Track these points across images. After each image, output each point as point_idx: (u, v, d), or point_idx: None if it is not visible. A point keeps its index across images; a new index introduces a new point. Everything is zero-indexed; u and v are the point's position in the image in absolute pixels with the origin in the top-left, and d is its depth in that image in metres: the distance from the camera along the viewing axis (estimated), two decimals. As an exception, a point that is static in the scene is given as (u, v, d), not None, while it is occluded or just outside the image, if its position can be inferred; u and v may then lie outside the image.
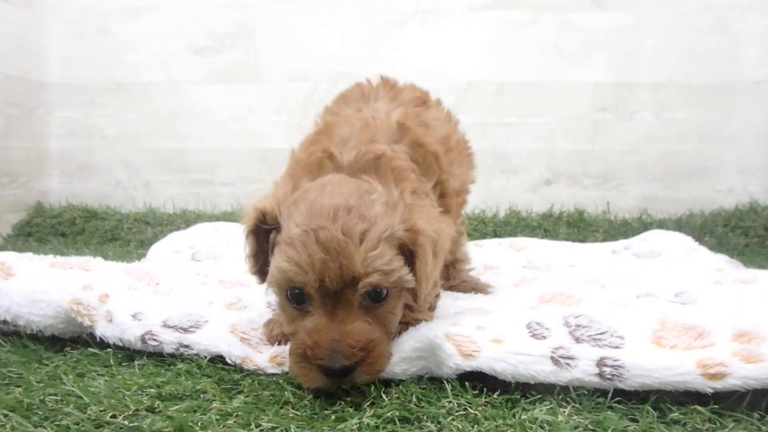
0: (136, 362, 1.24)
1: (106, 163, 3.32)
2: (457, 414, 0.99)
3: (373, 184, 1.18)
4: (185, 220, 2.95)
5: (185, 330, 1.27)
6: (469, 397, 1.04)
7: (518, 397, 1.04)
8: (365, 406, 1.02)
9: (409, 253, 1.12)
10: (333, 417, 0.99)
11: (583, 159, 3.17)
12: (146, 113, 3.28)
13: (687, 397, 1.01)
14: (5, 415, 0.97)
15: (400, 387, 1.08)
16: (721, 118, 3.09)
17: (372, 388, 1.06)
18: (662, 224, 2.82)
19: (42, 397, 1.05)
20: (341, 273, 1.03)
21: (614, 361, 1.03)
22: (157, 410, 1.01)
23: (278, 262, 1.08)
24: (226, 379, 1.16)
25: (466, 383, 1.08)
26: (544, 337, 1.10)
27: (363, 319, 1.07)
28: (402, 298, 1.16)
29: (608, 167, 3.17)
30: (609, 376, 1.02)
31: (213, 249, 2.18)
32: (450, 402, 1.02)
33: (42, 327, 1.36)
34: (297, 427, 0.95)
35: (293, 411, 1.01)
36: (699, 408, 0.98)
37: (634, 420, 0.97)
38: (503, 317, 1.21)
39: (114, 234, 2.90)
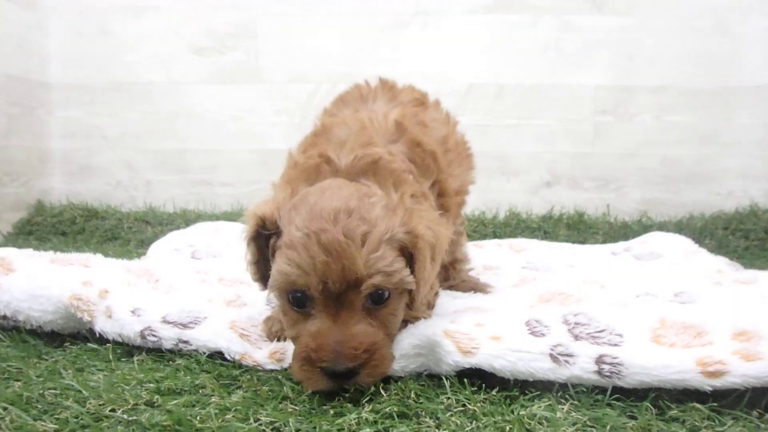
0: (135, 358, 1.24)
1: (106, 162, 3.32)
2: (455, 410, 0.99)
3: (372, 188, 1.18)
4: (185, 219, 2.95)
5: (184, 326, 1.27)
6: (467, 393, 1.04)
7: (517, 394, 1.05)
8: (364, 401, 1.02)
9: (408, 255, 1.13)
10: (332, 412, 0.99)
11: (583, 161, 3.18)
12: (147, 113, 3.28)
13: (686, 395, 1.01)
14: (4, 409, 0.97)
15: (399, 383, 1.08)
16: (722, 121, 3.09)
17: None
18: (662, 227, 2.81)
19: (41, 391, 1.05)
20: (344, 275, 1.03)
21: (613, 358, 1.03)
22: (156, 405, 1.02)
23: (280, 265, 1.07)
24: (224, 374, 1.16)
25: (465, 380, 1.08)
26: (543, 335, 1.10)
27: (365, 322, 1.07)
28: (403, 300, 1.16)
29: (608, 170, 3.18)
30: (608, 374, 1.02)
31: (213, 248, 2.19)
32: (448, 398, 1.02)
33: (42, 322, 1.36)
34: (295, 422, 0.95)
35: (292, 406, 1.02)
36: (698, 406, 0.98)
37: (632, 417, 0.97)
38: (502, 315, 1.21)
39: (114, 233, 2.90)
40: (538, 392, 1.04)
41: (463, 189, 1.64)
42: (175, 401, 1.02)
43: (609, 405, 1.01)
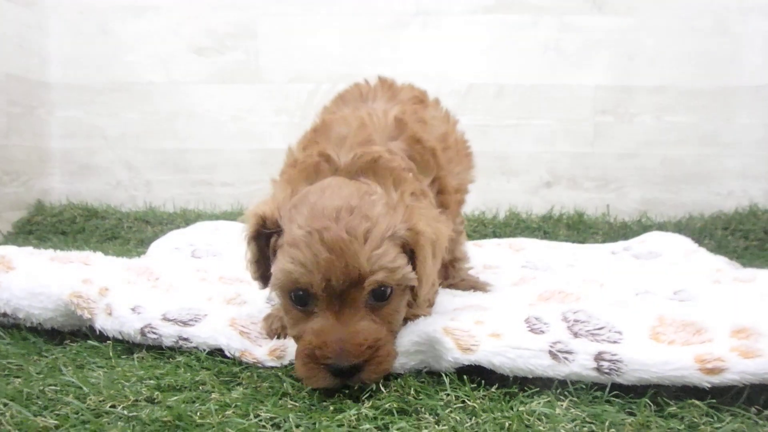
0: (135, 355, 1.24)
1: (106, 162, 3.33)
2: (455, 406, 0.99)
3: (372, 186, 1.18)
4: (185, 219, 2.96)
5: (185, 323, 1.27)
6: (467, 389, 1.04)
7: (516, 390, 1.05)
8: (363, 398, 1.02)
9: (410, 253, 1.13)
10: (331, 408, 0.99)
11: (583, 161, 3.18)
12: (147, 113, 3.29)
13: (684, 392, 1.01)
14: (5, 404, 0.97)
15: (399, 380, 1.08)
16: (722, 122, 3.09)
17: (370, 381, 1.07)
18: (662, 227, 2.82)
19: (41, 388, 1.05)
20: (347, 272, 1.03)
21: (612, 355, 1.04)
22: (156, 401, 1.02)
23: (282, 264, 1.07)
24: (224, 371, 1.16)
25: (464, 377, 1.08)
26: (543, 332, 1.10)
27: (369, 319, 1.07)
28: (405, 297, 1.16)
29: (608, 170, 3.18)
30: (607, 371, 1.03)
31: (213, 247, 2.19)
32: (448, 395, 1.02)
33: (42, 320, 1.36)
34: (295, 418, 0.95)
35: (292, 402, 1.02)
36: (696, 402, 0.98)
37: (631, 413, 0.97)
38: (502, 312, 1.21)
39: (114, 232, 2.91)
40: (538, 389, 1.05)
41: (462, 187, 1.64)
42: (176, 397, 1.02)
43: (608, 402, 1.01)
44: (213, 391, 1.05)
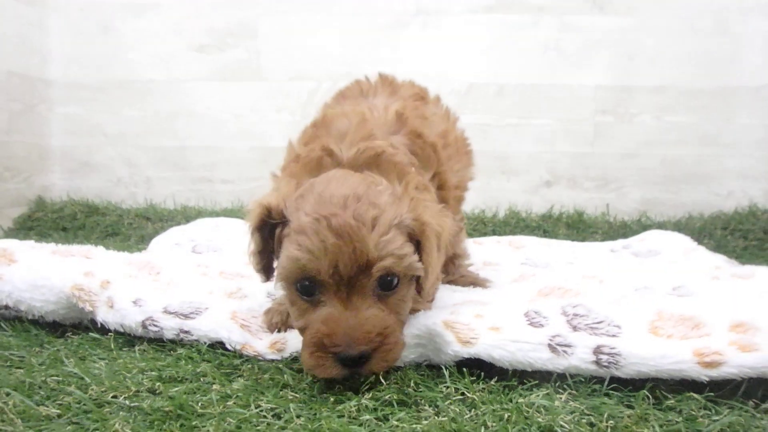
0: (136, 347, 1.25)
1: (107, 159, 3.33)
2: (454, 398, 1.00)
3: (378, 178, 1.19)
4: (185, 216, 2.96)
5: (186, 316, 1.28)
6: (466, 382, 1.04)
7: (515, 383, 1.05)
8: (363, 389, 1.03)
9: (415, 244, 1.13)
10: (332, 399, 1.00)
11: (583, 161, 3.19)
12: (147, 111, 3.29)
13: (682, 386, 1.02)
14: (7, 394, 0.98)
15: (399, 373, 1.09)
16: (722, 122, 3.10)
17: (370, 373, 1.07)
18: (662, 227, 2.82)
19: (44, 378, 1.06)
20: (355, 257, 1.02)
21: (611, 349, 1.04)
22: (157, 391, 1.02)
23: (290, 251, 1.06)
24: (225, 363, 1.17)
25: (464, 370, 1.08)
26: (542, 326, 1.10)
27: (377, 307, 1.07)
28: (412, 287, 1.15)
29: (608, 170, 3.19)
30: (606, 364, 1.03)
31: (213, 242, 2.19)
32: (448, 387, 1.03)
33: (43, 312, 1.37)
34: (296, 408, 0.96)
35: (292, 393, 1.02)
36: (694, 395, 0.99)
37: (629, 406, 0.98)
38: (501, 307, 1.22)
39: (115, 229, 2.91)
40: (537, 382, 1.05)
41: (462, 184, 1.65)
42: (177, 388, 1.03)
43: (606, 394, 1.01)
44: (214, 383, 1.06)
